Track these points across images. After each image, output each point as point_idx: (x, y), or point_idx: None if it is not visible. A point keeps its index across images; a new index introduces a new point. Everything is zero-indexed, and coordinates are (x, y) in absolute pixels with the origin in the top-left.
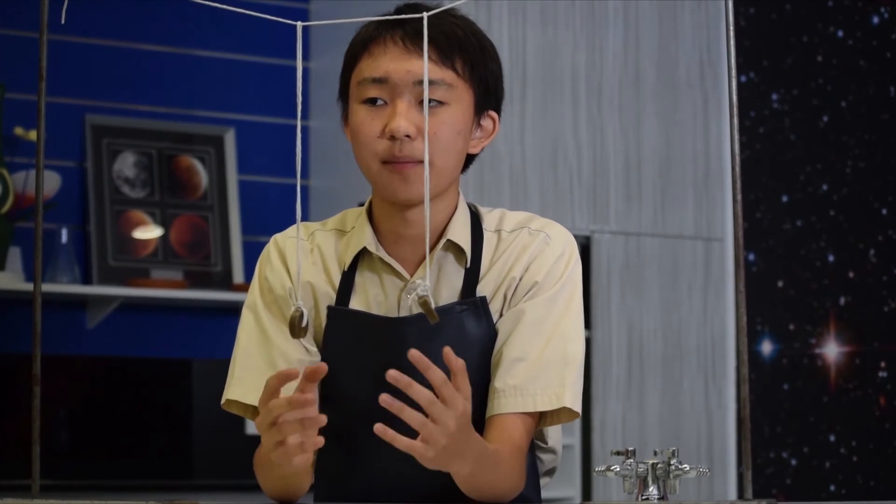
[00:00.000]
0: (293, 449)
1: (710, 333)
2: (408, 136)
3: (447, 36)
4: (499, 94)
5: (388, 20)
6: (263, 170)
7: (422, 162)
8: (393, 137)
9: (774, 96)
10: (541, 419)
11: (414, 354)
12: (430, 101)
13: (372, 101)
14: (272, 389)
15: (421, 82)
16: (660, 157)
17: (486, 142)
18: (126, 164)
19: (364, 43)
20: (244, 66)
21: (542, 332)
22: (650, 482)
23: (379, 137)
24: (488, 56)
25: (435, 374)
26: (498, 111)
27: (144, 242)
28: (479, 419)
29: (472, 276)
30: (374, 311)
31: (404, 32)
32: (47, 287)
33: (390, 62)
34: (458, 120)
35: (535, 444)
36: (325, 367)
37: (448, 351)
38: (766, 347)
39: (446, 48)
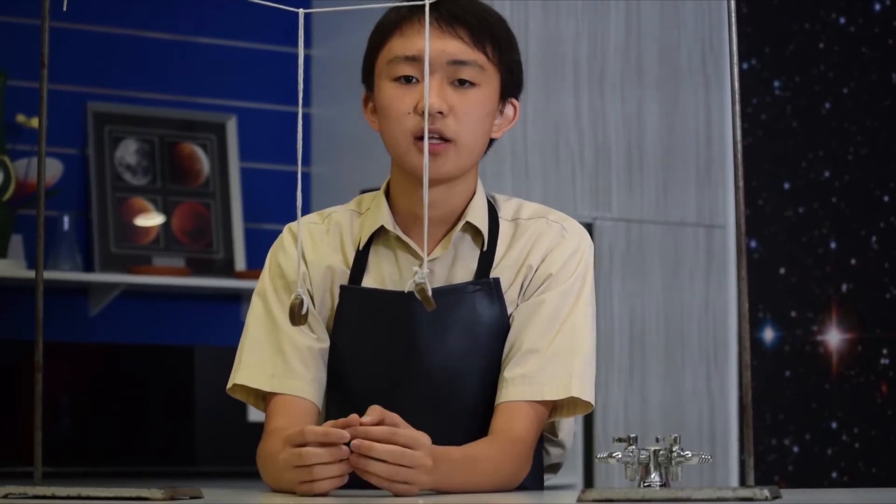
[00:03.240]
0: (324, 486)
1: (713, 320)
2: (440, 112)
3: (479, 20)
4: (521, 83)
5: (399, 6)
6: (265, 157)
7: (450, 141)
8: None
9: (776, 83)
10: (556, 410)
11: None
12: (462, 81)
13: (406, 79)
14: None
15: (455, 62)
16: (662, 143)
17: (507, 128)
18: (128, 152)
19: (397, 23)
20: (246, 54)
21: (553, 326)
22: (652, 469)
23: (410, 114)
24: (513, 44)
25: (378, 433)
26: (518, 99)
27: (146, 230)
28: (486, 401)
29: (486, 259)
30: (389, 288)
31: (439, 14)
32: (49, 274)
33: (423, 41)
34: (487, 101)
35: (545, 435)
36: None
37: (378, 412)
38: (768, 334)
39: (479, 32)
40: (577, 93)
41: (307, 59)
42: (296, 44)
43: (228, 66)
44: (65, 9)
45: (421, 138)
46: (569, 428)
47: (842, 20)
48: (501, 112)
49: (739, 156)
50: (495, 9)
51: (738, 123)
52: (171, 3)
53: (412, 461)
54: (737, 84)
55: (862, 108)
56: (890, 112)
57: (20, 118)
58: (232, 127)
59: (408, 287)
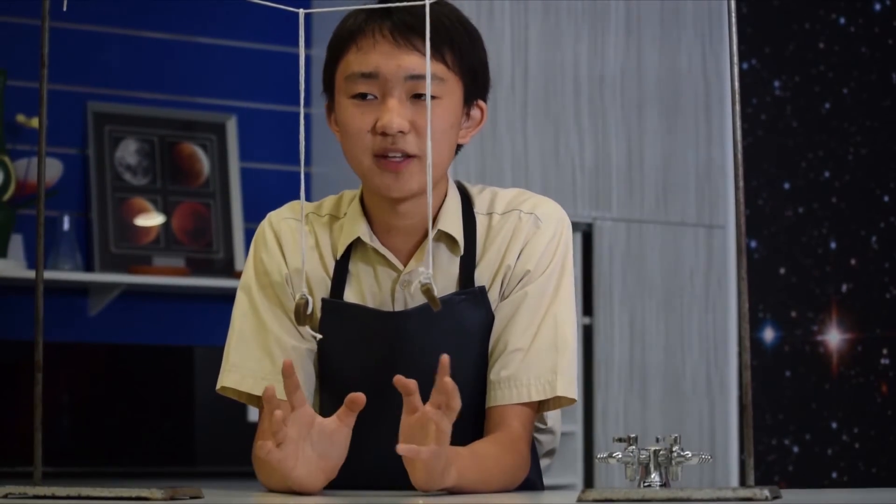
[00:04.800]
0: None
1: (712, 320)
2: (401, 131)
3: (436, 28)
4: (486, 83)
5: (386, 8)
6: (265, 157)
7: (413, 156)
8: (385, 133)
9: (776, 83)
10: (540, 405)
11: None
12: (421, 95)
13: (361, 97)
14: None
15: (413, 77)
16: (662, 144)
17: (475, 131)
18: (128, 152)
19: (351, 35)
20: (246, 54)
21: (533, 322)
22: (652, 469)
23: (369, 132)
24: (476, 45)
25: (447, 383)
26: (485, 100)
27: (146, 230)
28: (479, 409)
29: (468, 263)
30: (369, 302)
31: (393, 25)
32: (49, 274)
33: (380, 57)
34: (450, 113)
35: (535, 426)
36: (363, 398)
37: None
38: (769, 334)
39: (436, 41)
40: (577, 93)
41: (307, 59)
42: (296, 44)
43: (228, 66)
44: (65, 8)
45: (381, 157)
46: (556, 414)
47: (842, 20)
48: (468, 115)
49: (739, 156)
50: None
51: (738, 123)
52: (171, 3)
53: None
54: (737, 84)
55: (862, 109)
56: (890, 112)
57: (20, 118)
58: (232, 127)
59: (413, 288)
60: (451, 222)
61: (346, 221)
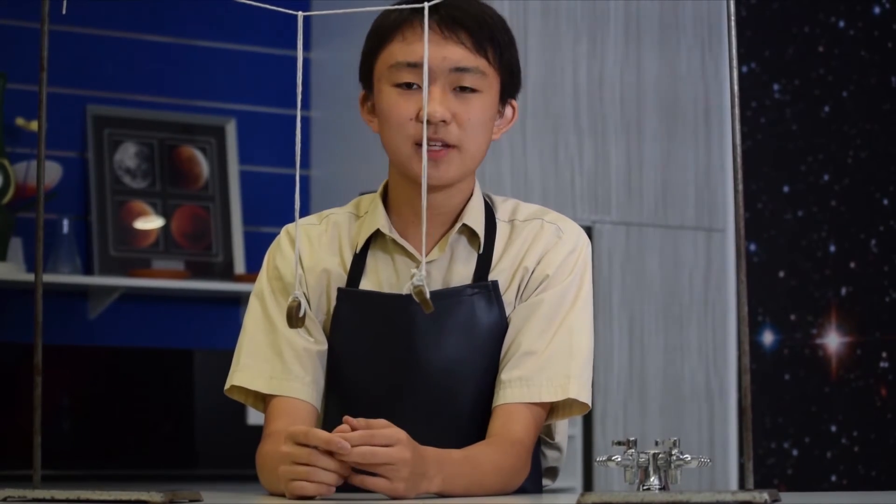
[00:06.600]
0: (310, 489)
1: (712, 324)
2: (443, 121)
3: (479, 24)
4: (519, 83)
5: (399, 9)
6: (264, 160)
7: (453, 147)
8: (428, 122)
9: (776, 87)
10: (552, 412)
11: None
12: (463, 88)
13: (407, 86)
14: (304, 432)
15: (457, 69)
16: (661, 147)
17: (506, 129)
18: (127, 155)
19: (398, 26)
20: (245, 57)
21: (550, 327)
22: (651, 472)
23: (411, 121)
24: (514, 44)
25: (352, 439)
26: (516, 99)
27: (146, 233)
28: (484, 404)
29: (484, 261)
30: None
31: (440, 18)
32: (49, 277)
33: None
34: (489, 107)
35: (542, 438)
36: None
37: (346, 420)
38: (768, 338)
39: (479, 36)
40: (576, 96)
41: (306, 62)
42: (295, 47)
43: (227, 69)
44: (64, 12)
45: (422, 145)
46: (564, 430)
47: (841, 23)
48: (501, 113)
49: (739, 159)
50: (495, 10)
51: (738, 127)
52: (170, 6)
53: (385, 457)
54: (736, 87)
55: (861, 112)
56: (889, 115)
57: (19, 121)
58: (231, 130)
59: (406, 289)
60: (475, 218)
61: (366, 217)
